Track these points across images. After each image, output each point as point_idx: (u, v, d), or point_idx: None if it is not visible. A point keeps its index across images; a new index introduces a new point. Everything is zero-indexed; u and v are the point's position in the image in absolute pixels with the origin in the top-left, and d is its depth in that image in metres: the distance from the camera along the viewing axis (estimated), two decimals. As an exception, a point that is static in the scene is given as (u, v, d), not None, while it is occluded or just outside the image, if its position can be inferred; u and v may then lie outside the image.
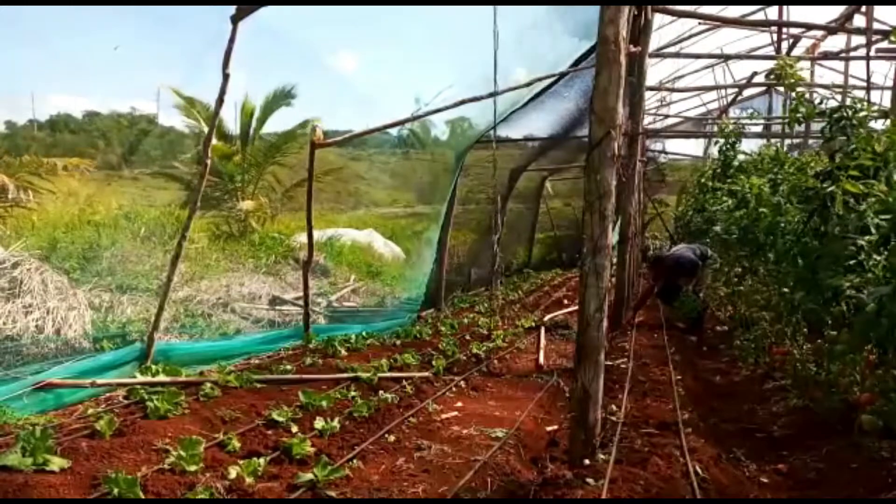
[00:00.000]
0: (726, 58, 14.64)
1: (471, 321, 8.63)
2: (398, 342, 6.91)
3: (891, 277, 3.11)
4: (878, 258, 3.50)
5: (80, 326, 5.68)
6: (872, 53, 8.06)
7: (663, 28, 13.34)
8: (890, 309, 2.99)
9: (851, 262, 3.81)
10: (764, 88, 14.24)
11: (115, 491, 2.75)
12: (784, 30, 11.11)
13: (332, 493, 3.09)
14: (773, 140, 12.47)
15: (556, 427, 4.46)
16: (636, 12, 7.36)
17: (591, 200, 3.24)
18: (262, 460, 3.31)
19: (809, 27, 9.54)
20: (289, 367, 5.32)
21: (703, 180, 11.05)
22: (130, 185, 13.93)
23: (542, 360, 6.58)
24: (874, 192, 3.63)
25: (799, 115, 4.56)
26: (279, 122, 13.29)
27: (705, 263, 8.11)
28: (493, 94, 6.59)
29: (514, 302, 11.23)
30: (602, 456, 3.36)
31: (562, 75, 7.99)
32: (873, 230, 3.59)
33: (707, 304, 8.37)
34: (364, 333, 7.01)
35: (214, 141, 6.80)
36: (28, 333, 5.33)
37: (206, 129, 11.02)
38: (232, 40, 4.76)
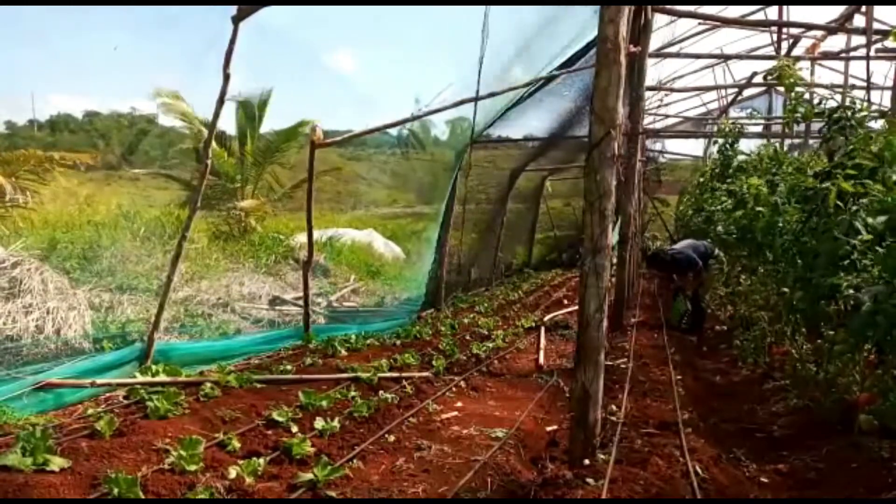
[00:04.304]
0: (726, 58, 14.67)
1: (471, 321, 8.62)
2: (398, 342, 6.91)
3: (889, 277, 3.11)
4: (874, 257, 3.50)
5: (80, 326, 5.68)
6: (872, 53, 8.06)
7: (663, 28, 13.34)
8: (885, 308, 2.99)
9: (846, 261, 3.82)
10: (764, 88, 14.27)
11: (115, 491, 2.75)
12: (784, 30, 11.11)
13: (332, 493, 3.09)
14: (773, 140, 12.48)
15: (556, 427, 4.46)
16: (636, 12, 7.37)
17: (591, 200, 3.24)
18: (262, 460, 3.31)
19: (809, 27, 9.54)
20: (289, 367, 5.31)
21: (702, 180, 11.07)
22: (130, 185, 13.93)
23: (542, 360, 6.58)
24: (872, 192, 3.64)
25: (797, 115, 4.56)
26: (278, 123, 13.28)
27: (709, 263, 7.99)
28: (490, 95, 6.61)
29: (514, 302, 11.23)
30: (602, 456, 3.36)
31: (559, 75, 8.01)
32: (863, 231, 3.60)
33: (707, 304, 8.35)
34: (364, 333, 7.01)
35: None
36: (28, 333, 5.32)
37: (203, 131, 11.02)
38: (233, 41, 4.76)
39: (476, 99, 6.49)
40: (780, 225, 5.14)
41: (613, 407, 4.58)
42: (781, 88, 4.86)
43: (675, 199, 21.03)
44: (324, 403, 4.37)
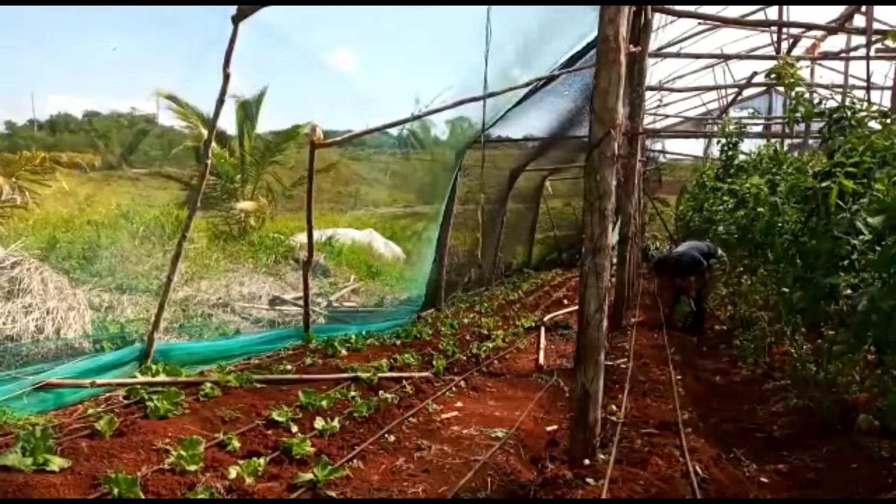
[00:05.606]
0: (726, 58, 14.64)
1: (471, 321, 8.63)
2: (398, 342, 6.91)
3: (887, 277, 3.11)
4: (873, 257, 3.51)
5: (79, 326, 5.68)
6: (872, 53, 8.05)
7: (663, 28, 13.32)
8: (881, 308, 2.99)
9: (846, 261, 3.82)
10: (764, 88, 14.25)
11: (115, 491, 2.75)
12: (784, 30, 11.10)
13: (332, 493, 3.09)
14: (773, 140, 12.47)
15: (556, 427, 4.46)
16: (636, 12, 7.37)
17: (591, 200, 3.24)
18: (262, 460, 3.31)
19: (809, 27, 9.53)
20: (289, 367, 5.32)
21: (705, 180, 11.07)
22: (130, 185, 13.94)
23: (542, 360, 6.58)
24: (874, 191, 3.64)
25: (798, 115, 4.56)
26: (278, 122, 13.30)
27: (711, 263, 7.99)
28: (491, 95, 6.61)
29: (514, 302, 11.23)
30: (602, 456, 3.36)
31: (559, 75, 8.01)
32: (864, 230, 3.60)
33: (707, 304, 8.33)
34: (364, 333, 7.01)
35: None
36: (28, 333, 5.32)
37: (203, 130, 11.02)
38: (233, 41, 4.76)
39: (484, 97, 6.50)
40: (780, 225, 5.15)
41: (613, 407, 4.58)
42: (781, 88, 4.86)
43: (675, 198, 21.03)
44: (324, 403, 4.38)
